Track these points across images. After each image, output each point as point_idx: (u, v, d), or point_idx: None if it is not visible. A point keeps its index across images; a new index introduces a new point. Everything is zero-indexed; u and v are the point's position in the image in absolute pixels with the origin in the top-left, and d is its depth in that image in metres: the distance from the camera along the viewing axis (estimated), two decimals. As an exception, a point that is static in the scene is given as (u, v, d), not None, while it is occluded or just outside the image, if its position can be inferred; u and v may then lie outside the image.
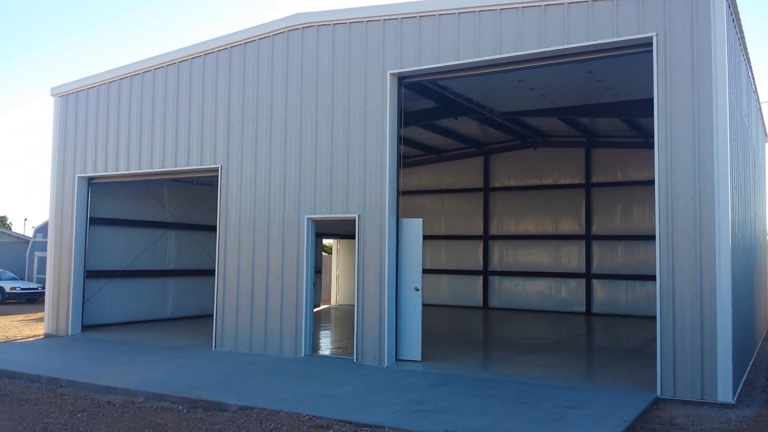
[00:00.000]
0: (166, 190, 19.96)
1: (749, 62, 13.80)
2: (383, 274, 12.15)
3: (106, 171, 16.16)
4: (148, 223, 19.38)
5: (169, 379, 10.75)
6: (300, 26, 13.48)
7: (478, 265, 24.86)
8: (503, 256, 24.51)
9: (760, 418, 8.74)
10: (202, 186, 20.92)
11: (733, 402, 9.31)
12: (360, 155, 12.58)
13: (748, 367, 12.31)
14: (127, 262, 18.64)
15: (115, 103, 16.17)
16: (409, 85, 13.26)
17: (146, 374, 11.15)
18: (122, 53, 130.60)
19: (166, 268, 19.94)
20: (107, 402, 9.53)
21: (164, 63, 15.36)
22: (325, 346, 14.97)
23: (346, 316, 21.10)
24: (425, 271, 13.78)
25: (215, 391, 9.82)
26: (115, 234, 18.28)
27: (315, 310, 18.19)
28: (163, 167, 15.23)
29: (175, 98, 15.15)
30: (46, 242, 25.33)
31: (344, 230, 23.90)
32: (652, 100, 10.19)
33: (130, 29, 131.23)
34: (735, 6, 10.50)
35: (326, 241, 31.29)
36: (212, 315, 14.50)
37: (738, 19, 11.11)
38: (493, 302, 24.43)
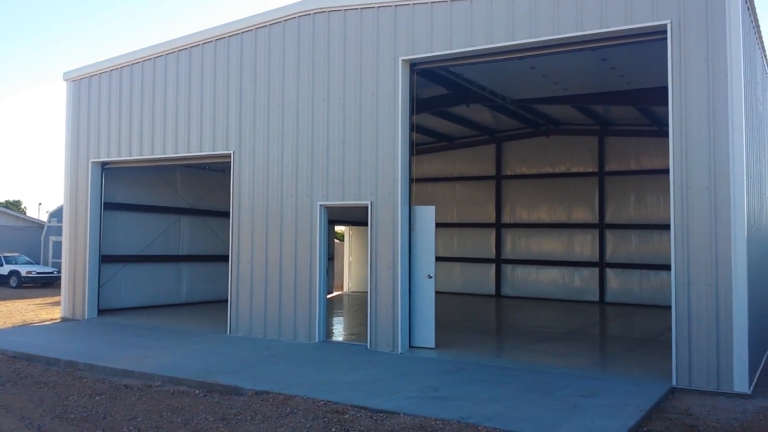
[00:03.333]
0: (179, 175, 20.08)
1: (764, 50, 13.64)
2: (396, 261, 12.20)
3: (119, 156, 16.27)
4: (162, 209, 19.54)
5: (186, 363, 10.87)
6: (311, 12, 13.46)
7: (491, 253, 24.85)
8: (516, 244, 24.48)
9: (775, 407, 8.74)
10: (214, 172, 21.01)
11: (750, 392, 9.30)
12: (372, 142, 12.59)
13: (765, 357, 12.28)
14: (141, 247, 18.81)
15: (127, 89, 16.24)
16: (421, 72, 13.21)
17: (163, 358, 11.28)
18: (131, 38, 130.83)
19: (180, 254, 20.11)
20: (125, 385, 9.66)
21: (176, 48, 15.40)
22: (339, 332, 15.07)
23: (358, 303, 21.20)
24: (438, 258, 13.80)
25: (231, 375, 9.94)
26: (129, 219, 18.44)
27: (328, 296, 18.24)
28: (176, 153, 15.31)
29: (187, 84, 15.20)
30: (60, 227, 25.60)
31: (356, 217, 23.92)
32: (666, 88, 10.12)
33: (140, 13, 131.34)
34: (750, -7, 10.39)
35: (338, 228, 31.37)
36: (226, 300, 14.61)
37: (753, 7, 10.98)
38: (506, 290, 24.44)
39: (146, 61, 15.96)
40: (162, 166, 18.12)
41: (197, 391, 9.29)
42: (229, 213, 14.52)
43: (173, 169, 19.61)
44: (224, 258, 16.46)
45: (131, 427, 7.54)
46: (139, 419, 7.89)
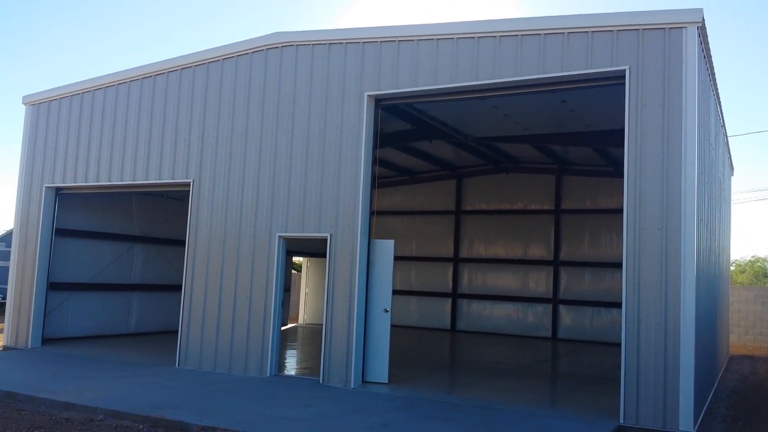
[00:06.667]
0: (135, 203, 19.71)
1: (718, 97, 14.16)
2: (353, 294, 12.11)
3: (75, 182, 15.91)
4: (115, 236, 19.07)
5: (131, 396, 10.53)
6: (279, 45, 13.50)
7: (447, 287, 24.92)
8: (472, 279, 24.62)
9: (721, 448, 8.86)
10: (172, 200, 20.68)
11: (694, 431, 9.41)
12: (334, 175, 12.57)
13: (710, 396, 12.48)
14: (91, 274, 18.30)
15: (87, 114, 15.98)
16: (386, 107, 13.32)
17: (107, 391, 10.90)
18: (92, 63, 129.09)
19: (131, 282, 19.62)
20: (66, 419, 9.29)
21: (140, 76, 15.24)
22: (291, 366, 14.82)
23: (313, 335, 20.93)
24: (395, 291, 13.74)
25: (177, 410, 9.65)
26: (80, 246, 17.95)
27: (282, 328, 17.98)
28: (133, 180, 15.04)
29: (149, 111, 15.02)
30: (8, 251, 24.74)
31: (315, 249, 23.81)
32: (622, 130, 10.35)
33: (106, 40, 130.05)
34: (706, 42, 10.76)
35: (295, 259, 31.10)
36: (177, 331, 14.27)
37: (709, 55, 11.40)
38: (461, 325, 24.48)
39: (108, 88, 15.73)
40: (118, 193, 17.76)
41: (141, 426, 8.98)
42: (184, 242, 14.24)
43: (129, 196, 19.24)
44: (177, 288, 16.10)
45: (70, 463, 7.24)
46: (79, 454, 7.58)
